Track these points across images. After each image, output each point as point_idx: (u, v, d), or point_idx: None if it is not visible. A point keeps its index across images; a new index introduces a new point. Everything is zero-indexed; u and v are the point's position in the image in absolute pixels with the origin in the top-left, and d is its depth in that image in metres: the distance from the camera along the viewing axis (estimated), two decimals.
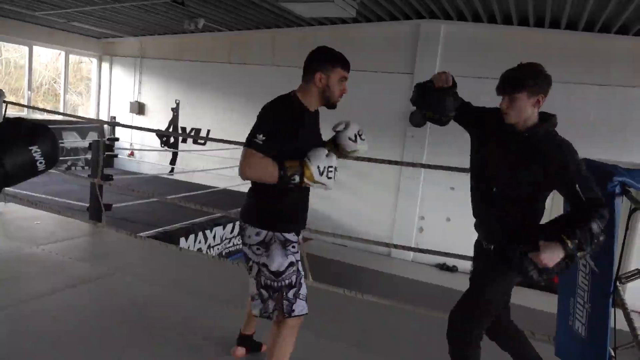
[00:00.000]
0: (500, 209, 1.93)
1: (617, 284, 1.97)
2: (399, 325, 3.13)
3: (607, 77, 6.80)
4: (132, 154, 10.85)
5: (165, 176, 10.00)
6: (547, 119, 1.86)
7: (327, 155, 1.88)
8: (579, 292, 2.04)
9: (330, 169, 1.88)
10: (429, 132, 8.10)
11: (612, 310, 1.96)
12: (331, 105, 1.98)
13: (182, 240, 5.86)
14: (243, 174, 1.82)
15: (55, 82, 13.55)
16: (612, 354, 2.03)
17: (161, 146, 10.77)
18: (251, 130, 1.84)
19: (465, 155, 2.14)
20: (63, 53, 10.62)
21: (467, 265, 8.36)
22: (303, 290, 1.94)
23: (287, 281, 1.90)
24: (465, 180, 2.14)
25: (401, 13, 7.69)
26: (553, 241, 1.66)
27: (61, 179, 7.88)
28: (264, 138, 1.80)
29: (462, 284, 3.14)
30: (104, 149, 4.74)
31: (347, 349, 2.67)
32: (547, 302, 3.98)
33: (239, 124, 9.53)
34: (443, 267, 8.00)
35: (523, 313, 3.02)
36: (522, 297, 4.27)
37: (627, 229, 2.01)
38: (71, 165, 9.99)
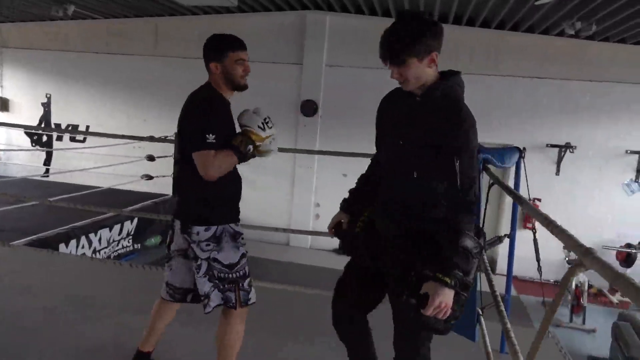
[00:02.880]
0: (399, 192, 1.65)
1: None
2: (290, 306, 3.19)
3: (469, 66, 7.54)
4: None
5: (39, 178, 9.06)
6: (448, 76, 1.61)
7: (253, 112, 1.94)
8: None
9: (266, 120, 1.94)
10: (320, 120, 8.31)
11: (478, 274, 2.19)
12: (240, 87, 1.97)
13: (62, 246, 5.37)
14: (210, 176, 1.83)
15: None
16: (480, 312, 2.28)
17: (32, 145, 9.72)
18: (195, 132, 1.84)
19: (356, 141, 2.22)
20: None
21: None
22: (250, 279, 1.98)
23: (241, 272, 1.92)
24: (357, 166, 2.15)
25: (286, 3, 7.74)
26: (432, 283, 1.45)
27: None
28: (214, 136, 1.81)
29: None
30: None
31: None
32: None
33: (120, 118, 8.95)
34: (340, 251, 8.30)
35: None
36: None
37: (486, 201, 2.26)
38: None
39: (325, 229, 2.03)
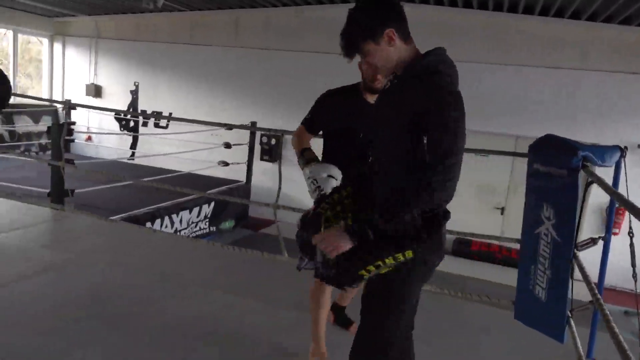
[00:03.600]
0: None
1: (576, 251, 2.13)
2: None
3: (557, 60, 7.13)
4: (89, 139, 10.49)
5: (125, 161, 9.74)
6: (429, 54, 1.46)
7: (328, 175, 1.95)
8: (540, 260, 2.18)
9: (321, 189, 1.89)
10: None
11: (570, 276, 2.12)
12: (367, 89, 2.09)
13: (148, 224, 5.77)
14: None
15: (1, 64, 12.83)
16: (570, 315, 2.20)
17: (120, 130, 10.46)
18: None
19: None
20: (10, 32, 10.06)
21: None
22: None
23: None
24: None
25: None
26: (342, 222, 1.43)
27: (14, 165, 7.56)
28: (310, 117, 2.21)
29: None
30: (65, 132, 4.58)
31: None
32: (507, 276, 4.22)
33: (201, 107, 9.38)
34: None
35: (483, 286, 3.21)
36: (483, 272, 4.48)
37: (583, 200, 2.17)
38: (24, 151, 9.56)
39: None
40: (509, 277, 2.89)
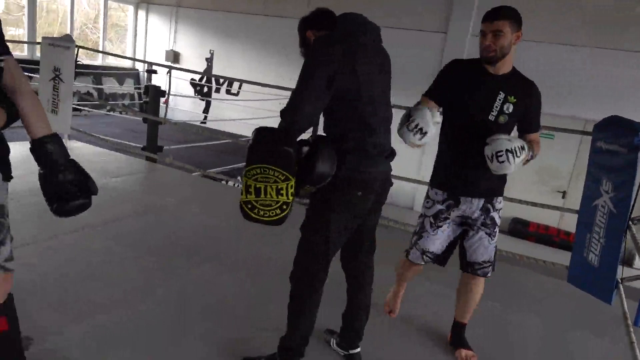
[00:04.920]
0: None
1: (631, 223, 2.33)
2: None
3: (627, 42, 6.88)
4: (166, 102, 11.25)
5: (199, 124, 10.42)
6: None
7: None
8: (595, 229, 2.40)
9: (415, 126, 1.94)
10: None
11: (623, 245, 2.33)
12: (483, 60, 1.99)
13: (230, 182, 6.33)
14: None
15: (87, 27, 13.82)
16: (619, 281, 2.41)
17: (195, 95, 11.13)
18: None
19: None
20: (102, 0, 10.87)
21: None
22: None
23: None
24: None
25: None
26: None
27: (104, 121, 8.36)
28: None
29: None
30: (159, 94, 5.13)
31: None
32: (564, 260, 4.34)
33: (271, 76, 9.81)
34: None
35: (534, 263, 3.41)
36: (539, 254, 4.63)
37: None
38: (109, 110, 10.45)
39: None
40: (565, 260, 3.06)
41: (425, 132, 1.85)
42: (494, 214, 2.09)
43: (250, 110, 9.43)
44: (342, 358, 2.09)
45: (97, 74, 10.46)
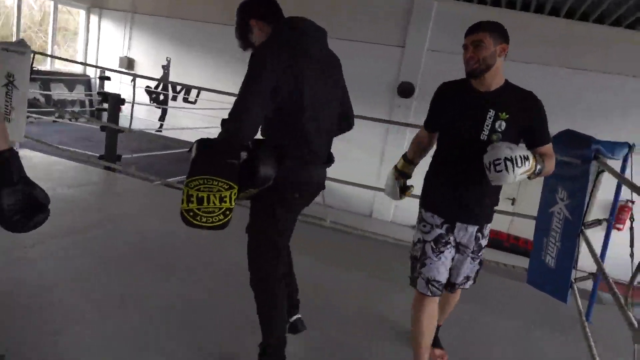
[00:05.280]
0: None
1: (583, 228, 2.53)
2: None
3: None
4: (119, 109, 10.91)
5: (154, 132, 10.18)
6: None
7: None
8: (552, 234, 2.59)
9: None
10: (415, 102, 8.60)
11: (576, 248, 2.52)
12: (467, 74, 1.87)
13: None
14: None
15: (32, 31, 13.22)
16: (573, 281, 2.61)
17: (150, 102, 10.89)
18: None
19: None
20: (51, 2, 10.46)
21: None
22: None
23: None
24: None
25: None
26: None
27: (53, 129, 8.02)
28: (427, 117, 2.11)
29: None
30: (119, 101, 5.00)
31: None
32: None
33: (228, 85, 9.73)
34: None
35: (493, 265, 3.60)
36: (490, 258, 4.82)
37: (593, 186, 2.56)
38: (58, 117, 10.02)
39: (410, 208, 2.33)
40: (522, 263, 3.28)
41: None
42: (483, 241, 1.99)
43: (207, 118, 9.33)
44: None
45: (46, 79, 10.03)
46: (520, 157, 1.68)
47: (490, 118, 1.80)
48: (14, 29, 9.83)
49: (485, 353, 2.52)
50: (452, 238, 1.93)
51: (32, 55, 4.27)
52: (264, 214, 1.81)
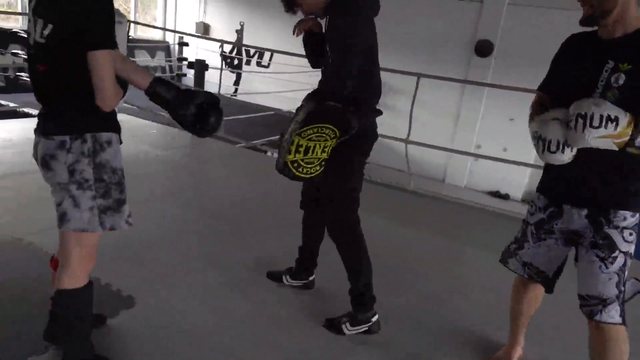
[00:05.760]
0: None
1: None
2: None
3: None
4: (220, 76, 11.36)
5: (229, 96, 10.54)
6: None
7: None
8: None
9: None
10: (493, 62, 8.21)
11: None
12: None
13: (269, 153, 6.50)
14: None
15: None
16: None
17: (225, 67, 11.21)
18: None
19: (531, 86, 2.26)
20: None
21: (519, 194, 8.78)
22: None
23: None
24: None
25: None
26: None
27: (137, 95, 8.52)
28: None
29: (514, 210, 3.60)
30: (204, 67, 5.23)
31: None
32: None
33: (298, 47, 9.80)
34: (495, 195, 8.45)
35: None
36: None
37: None
38: None
39: (483, 172, 2.17)
40: None
41: (570, 145, 1.46)
42: (612, 232, 1.50)
43: (280, 82, 9.49)
44: (296, 290, 2.30)
45: (130, 47, 10.60)
46: (602, 116, 1.34)
47: (607, 71, 1.44)
48: None
49: None
50: (557, 227, 1.63)
51: (127, 24, 4.54)
52: (344, 161, 1.90)
